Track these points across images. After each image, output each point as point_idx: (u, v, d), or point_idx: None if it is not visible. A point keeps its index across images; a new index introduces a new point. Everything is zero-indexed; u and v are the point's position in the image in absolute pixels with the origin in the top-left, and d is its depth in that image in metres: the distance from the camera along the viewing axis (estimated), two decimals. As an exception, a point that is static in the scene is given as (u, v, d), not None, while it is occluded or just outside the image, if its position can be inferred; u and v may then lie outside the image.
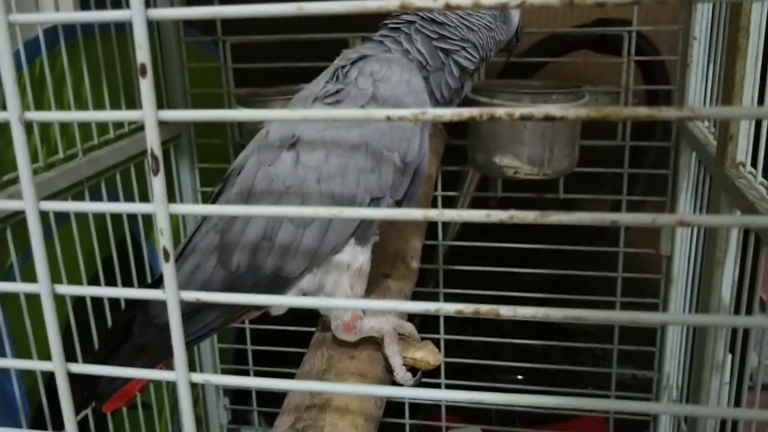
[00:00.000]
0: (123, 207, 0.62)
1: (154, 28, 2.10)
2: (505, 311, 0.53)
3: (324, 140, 1.05)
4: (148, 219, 2.05)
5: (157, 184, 0.56)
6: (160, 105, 2.12)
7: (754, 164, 1.31)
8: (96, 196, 1.74)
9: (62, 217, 1.63)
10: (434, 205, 2.19)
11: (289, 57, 2.03)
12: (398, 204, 1.12)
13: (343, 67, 1.12)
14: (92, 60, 1.72)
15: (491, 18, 1.19)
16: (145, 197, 1.93)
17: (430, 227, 2.08)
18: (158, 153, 0.55)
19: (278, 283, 1.09)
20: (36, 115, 0.56)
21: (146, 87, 0.53)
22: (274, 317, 1.29)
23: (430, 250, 2.27)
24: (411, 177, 1.10)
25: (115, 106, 1.82)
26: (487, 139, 1.85)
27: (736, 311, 1.41)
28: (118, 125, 1.86)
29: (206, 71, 2.24)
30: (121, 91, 1.84)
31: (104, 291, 0.64)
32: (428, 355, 1.13)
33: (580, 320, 0.54)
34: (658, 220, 0.51)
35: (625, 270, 2.14)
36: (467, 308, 0.54)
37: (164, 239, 0.58)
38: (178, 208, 0.58)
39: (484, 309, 0.54)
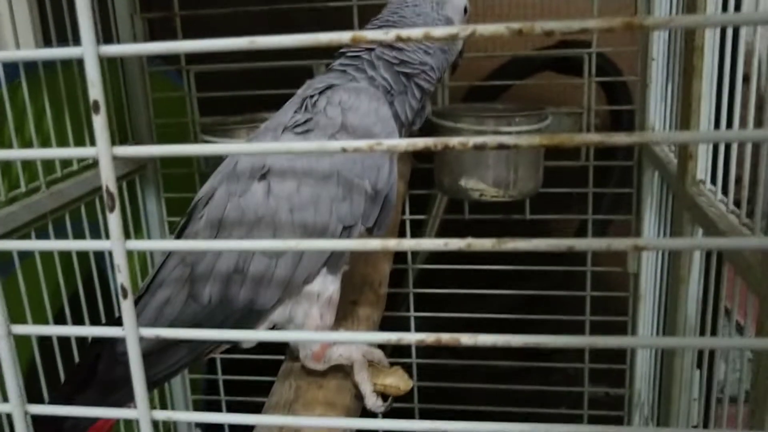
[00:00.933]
0: (78, 245, 0.62)
1: (117, 59, 2.09)
2: (466, 340, 0.53)
3: (295, 170, 1.05)
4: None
5: (113, 220, 0.56)
6: (125, 136, 2.12)
7: (714, 181, 1.34)
8: (61, 229, 1.72)
9: (23, 253, 1.61)
10: (402, 229, 2.19)
11: (252, 85, 2.03)
12: (369, 231, 1.12)
13: (312, 96, 1.12)
14: (54, 92, 1.70)
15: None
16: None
17: (400, 251, 2.08)
18: (113, 190, 0.54)
19: (251, 316, 1.08)
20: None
21: (99, 124, 0.53)
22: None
23: (400, 274, 2.28)
24: (381, 204, 1.11)
25: (79, 138, 1.80)
26: (453, 163, 1.86)
27: (702, 327, 1.43)
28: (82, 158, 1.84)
29: (171, 100, 2.23)
30: (84, 123, 1.82)
31: (62, 330, 0.63)
32: (398, 380, 1.12)
33: (540, 345, 0.54)
34: (612, 245, 0.52)
35: (594, 288, 2.16)
36: (428, 338, 0.54)
37: (121, 276, 0.57)
38: (135, 245, 0.58)
39: (445, 338, 0.54)
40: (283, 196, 1.05)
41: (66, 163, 1.76)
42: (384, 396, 1.13)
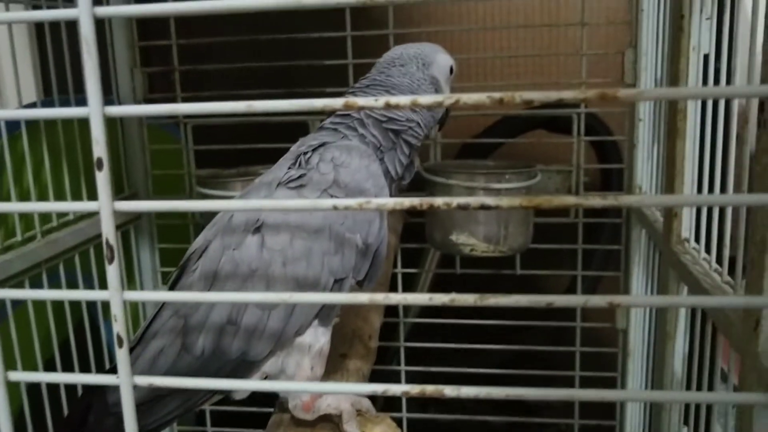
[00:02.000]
0: (77, 294, 0.64)
1: (117, 111, 2.13)
2: (449, 391, 0.55)
3: (288, 224, 1.08)
4: (107, 303, 2.04)
5: (112, 272, 0.58)
6: (121, 187, 2.15)
7: (698, 239, 1.36)
8: (54, 278, 1.73)
9: (15, 301, 1.62)
10: (394, 282, 2.21)
11: (248, 138, 2.07)
12: (359, 284, 1.14)
13: (305, 153, 1.16)
14: (53, 144, 1.73)
15: None
16: (104, 278, 1.90)
17: (392, 305, 2.10)
18: (113, 243, 0.57)
19: (243, 367, 1.09)
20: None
21: (102, 180, 0.55)
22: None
23: (392, 327, 2.29)
24: (372, 257, 1.13)
25: (76, 188, 1.83)
26: (444, 218, 1.89)
27: (688, 382, 1.45)
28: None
29: (167, 152, 2.26)
30: (82, 173, 1.85)
31: (58, 377, 0.65)
32: (386, 429, 1.14)
33: (521, 397, 0.56)
34: (590, 302, 0.54)
35: (584, 344, 2.17)
36: (413, 389, 0.56)
37: (118, 325, 0.59)
38: (132, 296, 0.60)
39: (430, 390, 0.56)
40: (276, 249, 1.07)
41: (62, 213, 1.79)
42: None
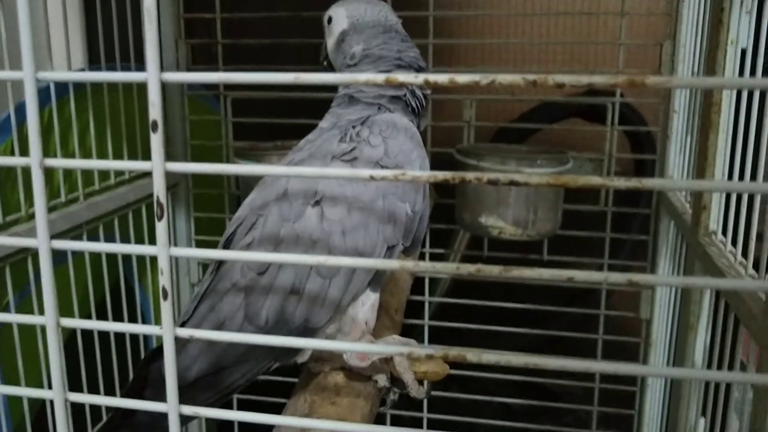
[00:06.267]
0: (128, 248, 0.68)
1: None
2: (471, 356, 0.59)
3: (345, 196, 1.13)
4: (142, 265, 2.10)
5: (161, 228, 0.62)
6: (161, 155, 2.20)
7: (726, 232, 1.38)
8: (93, 240, 1.79)
9: (59, 258, 1.68)
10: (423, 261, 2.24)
11: (285, 113, 2.11)
12: (406, 251, 1.21)
13: (354, 126, 1.21)
14: (98, 109, 1.79)
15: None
16: (140, 243, 1.98)
17: (419, 284, 2.13)
18: (164, 200, 0.61)
19: (306, 335, 1.14)
20: (56, 162, 0.62)
21: (156, 141, 0.59)
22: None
23: (418, 306, 2.32)
24: (417, 224, 1.19)
25: (117, 152, 1.88)
26: (473, 200, 1.92)
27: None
28: (119, 173, 1.92)
29: (206, 123, 2.31)
30: (124, 138, 1.91)
31: (106, 325, 0.69)
32: (436, 366, 1.22)
33: (540, 366, 0.59)
34: (609, 278, 0.57)
35: (607, 332, 2.18)
36: (437, 351, 0.60)
37: (164, 279, 0.63)
38: (179, 251, 0.64)
39: (453, 354, 0.59)
40: (335, 220, 1.12)
41: (104, 177, 1.85)
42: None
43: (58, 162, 0.63)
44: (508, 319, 2.26)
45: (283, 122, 2.13)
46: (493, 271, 0.57)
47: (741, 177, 1.35)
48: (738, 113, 1.31)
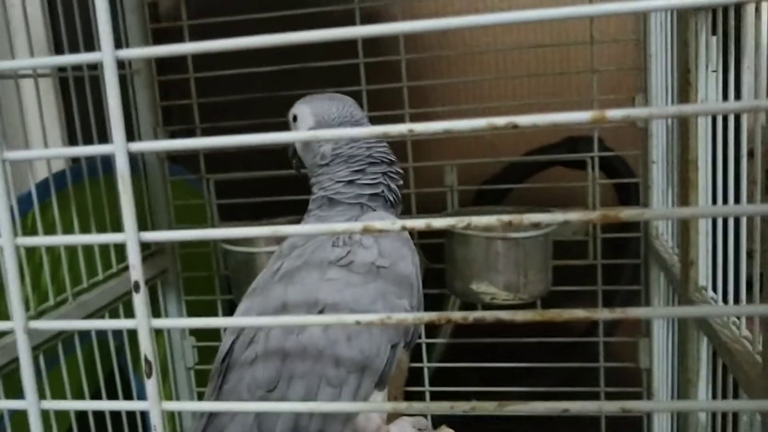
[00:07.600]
0: (107, 324, 0.67)
1: (140, 167, 2.18)
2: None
3: (346, 301, 1.15)
4: (136, 353, 2.08)
5: (139, 300, 0.62)
6: (147, 244, 2.19)
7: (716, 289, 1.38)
8: (85, 338, 1.78)
9: (53, 360, 1.66)
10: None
11: (270, 192, 2.11)
12: (406, 345, 1.22)
13: None
14: (82, 207, 1.78)
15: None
16: (132, 336, 1.96)
17: (416, 349, 2.11)
18: (139, 277, 0.60)
19: None
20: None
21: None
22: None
23: (417, 372, 2.29)
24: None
25: (104, 248, 1.88)
26: (463, 267, 1.92)
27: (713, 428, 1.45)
28: (107, 265, 1.91)
29: (191, 206, 2.31)
30: (110, 231, 1.90)
31: (89, 405, 0.68)
32: None
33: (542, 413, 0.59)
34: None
35: (608, 385, 2.16)
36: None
37: (146, 349, 0.62)
38: (160, 323, 0.63)
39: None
40: (339, 327, 1.13)
41: (91, 272, 1.84)
42: None
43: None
44: (507, 373, 2.23)
45: (267, 200, 2.14)
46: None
47: (725, 227, 1.35)
48: (716, 172, 1.32)
